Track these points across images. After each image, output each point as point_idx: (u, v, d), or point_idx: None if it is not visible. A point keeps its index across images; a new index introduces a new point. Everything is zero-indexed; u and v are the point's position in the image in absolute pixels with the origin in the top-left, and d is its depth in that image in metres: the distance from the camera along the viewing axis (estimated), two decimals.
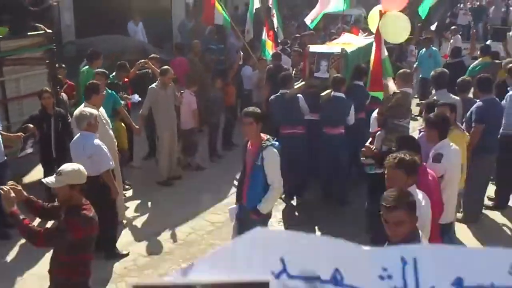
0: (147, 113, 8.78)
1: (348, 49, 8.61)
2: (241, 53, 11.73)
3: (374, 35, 7.65)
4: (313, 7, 12.48)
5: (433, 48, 13.20)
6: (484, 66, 10.29)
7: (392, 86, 6.91)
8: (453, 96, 7.59)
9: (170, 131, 8.91)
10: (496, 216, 7.80)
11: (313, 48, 8.89)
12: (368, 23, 8.44)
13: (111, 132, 7.21)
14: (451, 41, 14.77)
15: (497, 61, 10.59)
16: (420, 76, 12.91)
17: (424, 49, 13.08)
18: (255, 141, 5.31)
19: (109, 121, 7.28)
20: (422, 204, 4.11)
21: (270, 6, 13.02)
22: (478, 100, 7.44)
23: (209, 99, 10.04)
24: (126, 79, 9.34)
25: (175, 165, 9.24)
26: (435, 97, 7.27)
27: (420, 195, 4.20)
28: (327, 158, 8.06)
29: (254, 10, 12.43)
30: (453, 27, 15.80)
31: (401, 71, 7.32)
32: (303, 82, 8.49)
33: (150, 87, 8.74)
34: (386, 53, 7.53)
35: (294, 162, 7.78)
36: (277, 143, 5.33)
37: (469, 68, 10.61)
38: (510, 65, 8.63)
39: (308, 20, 12.27)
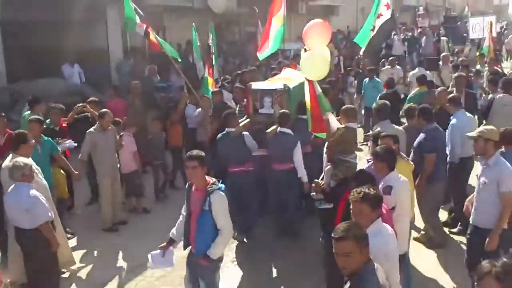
0: (86, 158, 8.55)
1: (290, 84, 8.68)
2: (186, 91, 11.60)
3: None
4: (253, 43, 12.64)
5: (376, 79, 13.52)
6: (422, 95, 10.64)
7: (333, 121, 6.91)
8: (396, 127, 7.79)
9: (111, 176, 8.65)
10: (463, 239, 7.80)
11: (256, 85, 8.95)
12: None
13: (44, 181, 6.81)
14: (391, 71, 15.13)
15: (433, 89, 10.92)
16: (365, 105, 13.20)
17: (367, 79, 13.37)
18: (200, 185, 5.09)
19: (39, 169, 6.79)
20: (392, 239, 4.16)
21: (210, 44, 13.05)
22: (423, 130, 7.55)
23: (149, 140, 9.97)
24: (64, 124, 9.02)
25: (119, 210, 8.95)
26: (378, 128, 7.37)
27: (388, 230, 4.22)
28: (278, 193, 8.02)
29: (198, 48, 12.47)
30: (390, 58, 16.26)
31: (344, 107, 7.34)
32: (248, 119, 8.45)
33: (88, 131, 8.52)
34: (320, 90, 7.47)
35: (244, 199, 7.85)
36: (223, 186, 5.15)
37: (408, 98, 10.96)
38: (450, 95, 8.91)
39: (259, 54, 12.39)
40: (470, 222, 6.09)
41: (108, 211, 8.65)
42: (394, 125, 7.84)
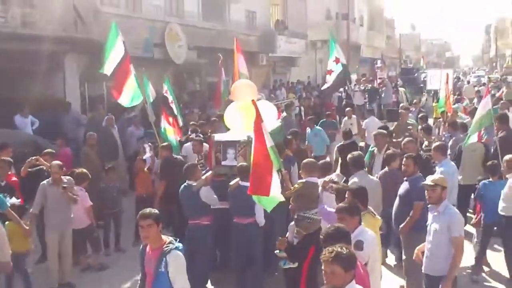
0: (37, 211, 8.11)
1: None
2: (149, 144, 11.32)
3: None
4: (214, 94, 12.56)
5: (317, 127, 13.53)
6: None
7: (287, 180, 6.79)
8: (371, 177, 7.85)
9: (60, 232, 8.17)
10: None
11: (218, 136, 8.71)
12: None
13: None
14: (350, 122, 15.19)
15: (394, 140, 10.94)
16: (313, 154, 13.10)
17: (309, 129, 13.37)
18: (155, 244, 4.75)
19: None
20: None
21: (165, 94, 12.86)
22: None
23: (102, 188, 9.75)
24: (13, 178, 8.53)
25: (68, 270, 8.40)
26: (355, 179, 7.35)
27: None
28: (240, 249, 7.68)
29: (151, 99, 12.21)
30: (347, 109, 16.42)
31: (304, 161, 7.18)
32: (210, 172, 8.20)
33: (41, 183, 8.12)
34: (272, 142, 6.85)
35: (198, 254, 7.63)
36: (180, 245, 4.83)
37: (370, 148, 10.89)
38: (436, 143, 8.93)
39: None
40: (423, 271, 6.13)
41: (54, 269, 8.15)
42: (370, 175, 7.86)
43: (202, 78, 24.20)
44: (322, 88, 10.59)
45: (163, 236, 4.80)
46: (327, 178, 6.96)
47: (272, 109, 7.90)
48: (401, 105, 16.21)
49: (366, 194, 6.15)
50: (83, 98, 16.63)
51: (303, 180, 6.83)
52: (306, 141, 13.35)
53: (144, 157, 10.62)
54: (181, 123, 12.82)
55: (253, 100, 7.00)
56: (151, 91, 12.30)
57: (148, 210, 4.82)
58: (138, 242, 9.32)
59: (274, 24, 31.35)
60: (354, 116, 15.22)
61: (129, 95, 10.70)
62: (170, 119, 11.54)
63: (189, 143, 10.97)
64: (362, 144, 12.92)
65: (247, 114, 6.92)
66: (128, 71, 10.62)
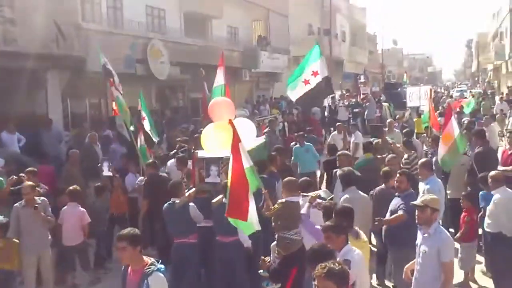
0: (13, 234, 7.79)
1: None
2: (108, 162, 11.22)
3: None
4: (197, 110, 12.51)
5: (307, 143, 13.51)
6: (368, 162, 10.64)
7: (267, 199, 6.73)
8: (362, 194, 7.72)
9: (37, 255, 7.92)
10: None
11: (202, 153, 8.65)
12: None
13: None
14: (353, 138, 15.18)
15: (378, 156, 10.95)
16: (300, 171, 13.05)
17: (298, 145, 13.31)
18: (136, 266, 4.69)
19: None
20: None
21: (139, 110, 12.79)
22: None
23: (94, 208, 9.59)
24: None
25: None
26: (346, 195, 7.33)
27: None
28: (223, 267, 7.61)
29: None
30: (338, 124, 16.44)
31: (285, 180, 7.10)
32: (193, 189, 8.12)
33: (14, 206, 7.89)
34: (251, 162, 6.70)
35: (184, 273, 7.59)
36: (162, 266, 4.76)
37: (356, 164, 10.89)
38: (422, 160, 8.95)
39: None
40: None
41: None
42: (360, 192, 7.74)
43: (185, 94, 24.20)
44: (294, 99, 10.57)
45: (145, 257, 4.72)
46: (313, 194, 6.89)
47: (251, 127, 7.74)
48: (388, 120, 16.27)
49: (352, 214, 6.01)
50: (66, 114, 16.45)
51: (283, 200, 6.74)
52: (292, 157, 13.33)
53: (104, 174, 10.56)
54: (154, 139, 12.61)
55: (230, 120, 6.87)
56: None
57: (125, 231, 4.75)
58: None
59: (256, 40, 31.48)
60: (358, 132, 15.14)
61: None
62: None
63: (172, 160, 10.89)
64: None
65: (223, 134, 6.76)
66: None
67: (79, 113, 16.96)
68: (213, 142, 6.84)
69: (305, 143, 13.43)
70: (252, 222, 6.26)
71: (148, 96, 21.05)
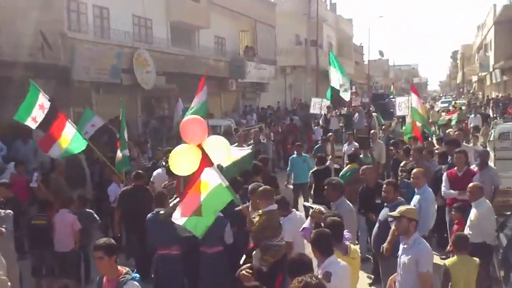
0: None
1: (223, 163, 8.37)
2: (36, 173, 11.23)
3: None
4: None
5: (304, 154, 13.56)
6: (353, 172, 10.73)
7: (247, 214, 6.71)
8: (349, 204, 7.67)
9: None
10: None
11: None
12: None
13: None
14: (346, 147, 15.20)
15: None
16: (294, 182, 13.10)
17: (295, 155, 13.34)
18: (111, 276, 4.75)
19: None
20: None
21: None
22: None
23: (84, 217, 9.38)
24: None
25: None
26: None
27: None
28: (207, 278, 7.54)
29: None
30: (349, 133, 16.49)
31: (260, 189, 6.96)
32: (178, 199, 8.06)
33: None
34: (226, 183, 6.30)
35: (167, 284, 7.55)
36: (137, 275, 4.81)
37: (340, 174, 10.97)
38: (416, 169, 8.80)
39: None
40: None
41: None
42: (349, 203, 7.73)
43: (171, 103, 24.10)
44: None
45: (119, 267, 4.79)
46: (317, 209, 6.70)
47: (224, 145, 7.23)
48: (371, 131, 16.37)
49: (342, 227, 5.90)
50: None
51: (263, 211, 6.68)
52: (288, 167, 13.40)
53: (31, 185, 10.56)
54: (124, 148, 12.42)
55: (199, 144, 6.49)
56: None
57: (102, 241, 4.81)
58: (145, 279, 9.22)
59: (243, 50, 31.55)
60: (355, 142, 15.07)
61: (65, 146, 9.87)
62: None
63: (159, 170, 10.84)
64: (337, 166, 12.91)
65: (189, 157, 6.49)
66: (61, 126, 9.91)
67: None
68: (180, 165, 6.56)
69: (303, 154, 13.48)
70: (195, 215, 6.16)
71: (133, 105, 20.98)
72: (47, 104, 9.88)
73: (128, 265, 8.49)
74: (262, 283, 5.78)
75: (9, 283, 7.01)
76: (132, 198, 9.41)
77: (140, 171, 10.12)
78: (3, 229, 7.68)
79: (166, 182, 9.78)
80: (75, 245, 8.72)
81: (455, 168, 9.62)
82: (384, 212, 7.48)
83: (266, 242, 6.37)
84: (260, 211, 6.73)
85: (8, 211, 7.98)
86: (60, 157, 10.36)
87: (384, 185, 7.75)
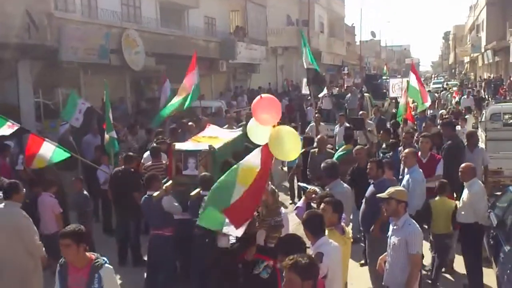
0: None
1: (216, 144, 8.47)
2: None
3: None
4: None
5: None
6: (348, 153, 10.75)
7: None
8: (345, 185, 7.87)
9: None
10: None
11: (179, 145, 8.61)
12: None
13: None
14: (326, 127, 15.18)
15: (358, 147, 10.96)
16: (289, 165, 13.12)
17: None
18: (80, 264, 4.64)
19: None
20: None
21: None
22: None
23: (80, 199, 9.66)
24: None
25: None
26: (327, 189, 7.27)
27: None
28: (201, 260, 7.50)
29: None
30: (340, 114, 16.46)
31: None
32: (170, 181, 8.04)
33: None
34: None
35: (159, 264, 7.76)
36: (105, 259, 4.75)
37: (336, 155, 10.94)
38: (407, 149, 8.82)
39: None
40: (383, 283, 6.12)
41: None
42: (344, 184, 7.90)
43: (160, 84, 23.86)
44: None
45: (87, 254, 4.69)
46: (311, 189, 6.84)
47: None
48: (360, 112, 16.32)
49: (343, 207, 6.00)
50: (38, 106, 16.09)
51: (270, 191, 6.63)
52: None
53: (16, 168, 10.52)
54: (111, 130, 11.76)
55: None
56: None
57: (70, 227, 4.72)
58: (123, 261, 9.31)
59: (233, 30, 31.27)
60: (346, 123, 15.00)
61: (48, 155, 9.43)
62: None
63: (147, 152, 10.74)
64: (329, 147, 12.81)
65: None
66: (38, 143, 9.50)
67: (52, 104, 16.56)
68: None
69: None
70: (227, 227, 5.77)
71: (122, 86, 20.76)
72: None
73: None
74: (271, 257, 5.95)
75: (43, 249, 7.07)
76: (120, 181, 9.44)
77: (131, 154, 10.05)
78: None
79: (149, 163, 9.87)
80: (59, 229, 8.63)
81: (419, 153, 9.38)
82: (370, 189, 7.63)
83: (272, 220, 6.37)
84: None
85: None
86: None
87: (368, 163, 7.94)
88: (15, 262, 6.65)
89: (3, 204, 6.85)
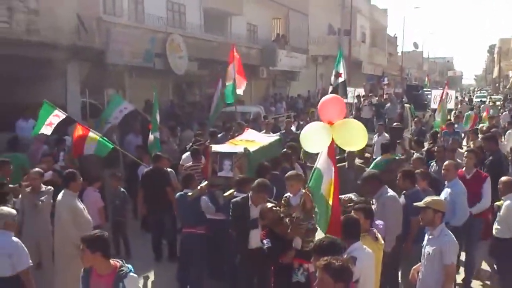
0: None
1: (251, 148, 8.56)
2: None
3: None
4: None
5: None
6: (387, 162, 10.52)
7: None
8: (392, 192, 7.32)
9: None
10: None
11: (216, 147, 8.80)
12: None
13: None
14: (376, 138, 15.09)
15: (397, 157, 10.96)
16: None
17: None
18: (104, 270, 4.55)
19: None
20: None
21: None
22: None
23: (116, 195, 9.79)
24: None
25: None
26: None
27: None
28: (234, 259, 7.54)
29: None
30: (379, 124, 16.43)
31: (293, 174, 7.22)
32: (206, 182, 8.23)
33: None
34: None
35: (190, 261, 7.89)
36: (130, 266, 4.66)
37: (373, 163, 10.86)
38: (449, 161, 8.52)
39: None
40: None
41: None
42: (391, 191, 7.45)
43: (202, 89, 24.31)
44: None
45: (111, 261, 4.60)
46: (346, 197, 6.77)
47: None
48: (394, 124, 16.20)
49: (373, 214, 6.06)
50: (84, 105, 16.63)
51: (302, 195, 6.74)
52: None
53: (58, 164, 10.59)
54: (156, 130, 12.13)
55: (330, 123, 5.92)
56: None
57: (90, 233, 4.69)
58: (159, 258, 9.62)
59: (275, 38, 31.49)
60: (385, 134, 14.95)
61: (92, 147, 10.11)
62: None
63: (187, 153, 11.00)
64: (367, 155, 13.01)
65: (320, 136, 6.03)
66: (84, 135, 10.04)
67: (98, 103, 17.08)
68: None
69: None
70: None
71: (165, 90, 21.24)
72: (62, 115, 10.10)
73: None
74: (306, 260, 5.96)
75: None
76: (150, 180, 9.69)
77: (159, 153, 10.30)
78: (40, 202, 7.94)
79: (189, 163, 10.04)
80: (102, 222, 8.98)
81: (463, 169, 8.81)
82: (401, 199, 7.38)
83: (308, 224, 6.42)
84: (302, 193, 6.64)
85: (49, 187, 8.26)
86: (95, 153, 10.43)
87: (399, 174, 7.70)
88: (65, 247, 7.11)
89: (61, 194, 7.31)
